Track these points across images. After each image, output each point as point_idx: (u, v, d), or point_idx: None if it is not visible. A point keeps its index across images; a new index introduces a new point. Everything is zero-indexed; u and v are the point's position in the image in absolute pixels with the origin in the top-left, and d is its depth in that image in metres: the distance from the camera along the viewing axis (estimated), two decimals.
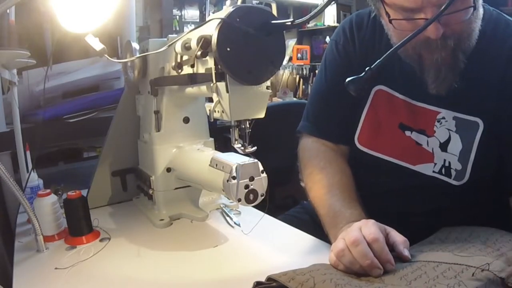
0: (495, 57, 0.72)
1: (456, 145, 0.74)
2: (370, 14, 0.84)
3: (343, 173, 0.82)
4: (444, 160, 0.76)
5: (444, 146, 0.75)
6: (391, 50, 0.59)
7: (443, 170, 0.76)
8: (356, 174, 0.84)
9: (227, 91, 0.63)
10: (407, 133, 0.79)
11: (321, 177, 0.81)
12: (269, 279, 0.57)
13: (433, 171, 0.77)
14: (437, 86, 0.72)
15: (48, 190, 0.83)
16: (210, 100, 0.70)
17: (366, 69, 0.60)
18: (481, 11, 0.70)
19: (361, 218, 0.67)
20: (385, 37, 0.78)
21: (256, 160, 0.70)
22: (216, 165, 0.73)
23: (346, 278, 0.57)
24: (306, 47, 4.19)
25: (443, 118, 0.75)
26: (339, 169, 0.82)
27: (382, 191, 0.82)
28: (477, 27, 0.69)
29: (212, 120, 0.70)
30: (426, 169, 0.77)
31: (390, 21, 0.67)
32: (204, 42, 0.61)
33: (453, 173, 0.75)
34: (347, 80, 0.62)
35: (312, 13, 0.58)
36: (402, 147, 0.80)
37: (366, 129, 0.84)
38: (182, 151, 0.89)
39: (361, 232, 0.60)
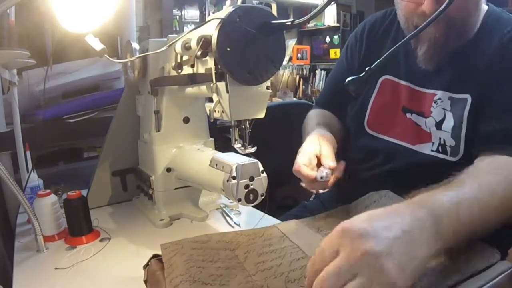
0: (491, 43, 0.76)
1: (449, 122, 0.79)
2: (385, 14, 0.94)
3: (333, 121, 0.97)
4: (440, 138, 0.80)
5: (439, 125, 0.80)
6: (392, 48, 0.59)
7: (439, 148, 0.80)
8: (361, 160, 0.91)
9: (227, 91, 0.63)
10: (408, 115, 0.85)
11: (307, 122, 0.96)
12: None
13: (431, 150, 0.81)
14: (425, 60, 0.79)
15: (48, 190, 0.83)
16: (210, 100, 0.70)
17: (366, 69, 0.60)
18: (484, 7, 0.78)
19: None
20: (393, 33, 0.88)
21: (256, 160, 0.70)
22: (216, 165, 0.73)
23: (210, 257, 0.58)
24: (306, 47, 4.19)
25: (439, 99, 0.80)
26: (327, 119, 0.97)
27: (384, 171, 0.86)
28: (474, 17, 0.76)
29: (212, 120, 0.70)
30: (424, 148, 0.82)
31: None
32: (204, 42, 0.61)
33: (449, 149, 0.79)
34: (347, 80, 0.62)
35: (312, 13, 0.57)
36: (403, 128, 0.85)
37: (374, 113, 0.91)
38: (182, 151, 0.89)
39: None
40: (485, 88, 0.75)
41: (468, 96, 0.77)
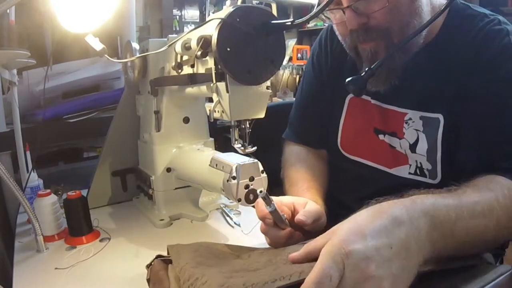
0: (457, 51, 0.69)
1: (423, 145, 0.73)
2: None
3: (309, 167, 0.87)
4: (416, 161, 0.75)
5: (413, 147, 0.75)
6: (391, 50, 0.59)
7: (417, 171, 0.75)
8: (341, 182, 0.87)
9: (227, 91, 0.63)
10: (381, 136, 0.80)
11: (288, 173, 0.88)
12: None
13: (409, 173, 0.76)
14: (373, 82, 0.69)
15: (48, 190, 0.83)
16: (210, 100, 0.70)
17: (366, 69, 0.60)
18: (424, 2, 0.66)
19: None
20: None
21: (256, 160, 0.70)
22: (216, 165, 0.73)
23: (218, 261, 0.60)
24: (306, 47, 4.18)
25: (410, 119, 0.75)
26: (306, 164, 0.87)
27: (363, 196, 0.80)
28: (414, 22, 0.65)
29: (212, 120, 0.70)
30: (402, 171, 0.77)
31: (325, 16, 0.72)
32: (204, 42, 0.61)
33: (427, 173, 0.74)
34: (347, 80, 0.62)
35: (312, 13, 0.57)
36: (378, 150, 0.80)
37: (346, 135, 0.87)
38: (182, 151, 0.89)
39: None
40: (457, 104, 0.68)
41: (440, 116, 0.70)
